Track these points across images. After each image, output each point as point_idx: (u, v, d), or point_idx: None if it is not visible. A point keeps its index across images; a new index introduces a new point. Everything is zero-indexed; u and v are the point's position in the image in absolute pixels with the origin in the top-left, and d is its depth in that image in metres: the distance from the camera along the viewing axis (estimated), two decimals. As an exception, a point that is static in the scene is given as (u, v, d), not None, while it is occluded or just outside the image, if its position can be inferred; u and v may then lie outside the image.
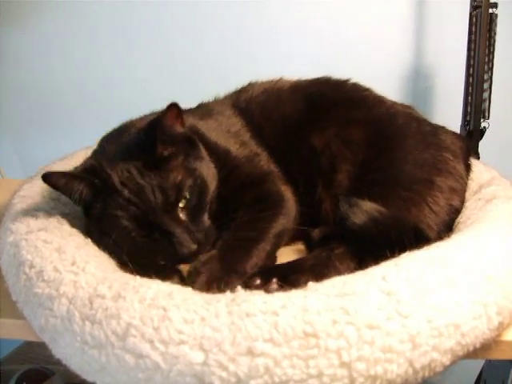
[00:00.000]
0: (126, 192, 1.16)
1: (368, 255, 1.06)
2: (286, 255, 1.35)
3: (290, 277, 1.12)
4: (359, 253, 1.18)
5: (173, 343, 0.82)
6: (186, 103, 1.49)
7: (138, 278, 0.96)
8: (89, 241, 1.15)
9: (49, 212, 1.24)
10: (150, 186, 1.17)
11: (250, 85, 1.68)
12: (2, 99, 2.70)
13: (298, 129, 1.51)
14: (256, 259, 1.20)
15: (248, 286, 1.08)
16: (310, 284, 0.92)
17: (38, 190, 1.35)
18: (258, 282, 1.10)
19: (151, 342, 0.83)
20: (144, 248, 1.18)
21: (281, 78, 1.68)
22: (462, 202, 1.39)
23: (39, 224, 1.17)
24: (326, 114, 1.50)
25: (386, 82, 2.40)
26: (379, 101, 1.57)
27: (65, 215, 1.26)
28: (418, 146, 1.41)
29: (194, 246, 1.16)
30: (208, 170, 1.28)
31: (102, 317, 0.88)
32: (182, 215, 1.18)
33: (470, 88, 2.08)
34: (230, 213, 1.28)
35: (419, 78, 2.45)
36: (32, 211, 1.23)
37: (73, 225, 1.22)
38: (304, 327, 0.82)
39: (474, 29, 2.04)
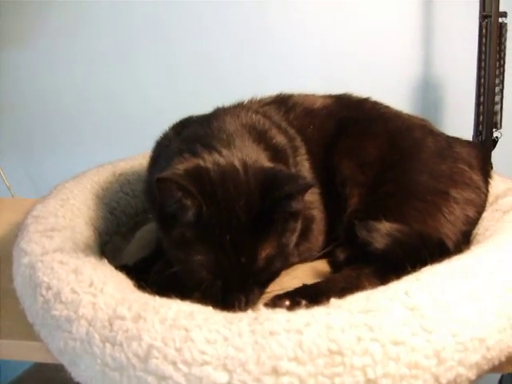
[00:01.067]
0: (227, 237, 1.09)
1: (393, 272, 1.04)
2: (307, 272, 1.35)
3: (320, 299, 1.05)
4: (386, 271, 1.16)
5: (196, 364, 0.80)
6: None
7: (157, 298, 0.95)
8: (105, 261, 1.13)
9: (63, 232, 1.23)
10: (248, 248, 1.10)
11: (291, 100, 1.61)
12: (10, 117, 2.72)
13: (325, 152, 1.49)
14: None
15: (276, 307, 1.02)
16: (333, 300, 0.91)
17: (51, 209, 1.35)
18: (288, 303, 1.08)
19: (174, 363, 0.81)
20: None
21: (313, 94, 1.65)
22: (480, 212, 1.38)
23: (54, 245, 1.15)
24: (345, 133, 1.49)
25: (395, 93, 2.38)
26: (396, 115, 1.57)
27: (79, 235, 1.26)
28: (433, 158, 1.41)
29: (243, 309, 1.08)
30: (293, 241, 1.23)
31: (122, 338, 0.87)
32: (253, 287, 1.14)
33: (482, 98, 2.07)
34: None
35: (429, 88, 2.44)
36: (46, 232, 1.22)
37: (87, 245, 1.21)
38: (329, 345, 0.80)
39: (484, 39, 2.03)
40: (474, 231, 1.34)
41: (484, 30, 2.03)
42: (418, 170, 1.39)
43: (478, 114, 2.10)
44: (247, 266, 1.10)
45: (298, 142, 1.48)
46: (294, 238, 1.22)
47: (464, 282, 0.94)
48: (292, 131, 1.49)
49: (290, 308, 1.05)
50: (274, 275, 1.21)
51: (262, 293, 1.18)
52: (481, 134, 2.09)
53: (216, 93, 2.17)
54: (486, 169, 1.48)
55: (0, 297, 1.22)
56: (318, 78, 2.43)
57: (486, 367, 0.89)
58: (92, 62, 2.61)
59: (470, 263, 1.01)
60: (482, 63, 2.06)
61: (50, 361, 1.02)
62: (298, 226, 1.24)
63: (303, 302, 1.09)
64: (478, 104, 2.09)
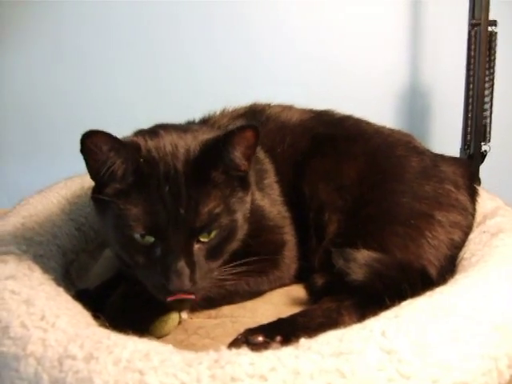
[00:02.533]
0: (165, 188, 1.05)
1: (374, 305, 0.97)
2: (282, 298, 1.30)
3: (297, 335, 0.97)
4: (367, 304, 1.09)
5: (150, 412, 0.74)
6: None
7: (112, 335, 0.87)
8: (61, 290, 1.06)
9: (20, 256, 1.15)
10: (188, 197, 1.06)
11: (265, 113, 1.56)
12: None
13: (297, 172, 1.43)
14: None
15: (249, 344, 0.98)
16: (303, 341, 0.83)
17: (10, 229, 1.28)
18: (261, 339, 1.01)
19: (126, 410, 0.74)
20: (139, 254, 1.08)
21: (291, 107, 1.59)
22: (467, 234, 1.33)
23: (7, 271, 1.07)
24: (321, 153, 1.43)
25: (381, 101, 2.37)
26: (377, 131, 1.50)
27: (38, 257, 1.18)
28: (417, 178, 1.35)
29: (188, 285, 1.04)
30: (243, 220, 1.17)
31: (72, 380, 0.79)
32: (196, 247, 1.08)
33: (470, 110, 2.02)
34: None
35: (416, 96, 2.39)
36: (1, 255, 1.14)
37: (46, 270, 1.13)
38: (296, 393, 0.73)
39: (472, 47, 1.98)
40: (460, 254, 1.28)
41: (473, 39, 1.98)
42: (400, 192, 1.32)
43: (465, 126, 2.04)
44: (187, 219, 1.05)
45: (267, 164, 1.43)
46: (244, 211, 1.17)
47: (446, 321, 0.87)
48: (261, 152, 1.43)
49: (264, 345, 0.99)
50: (222, 248, 1.13)
51: (211, 271, 1.11)
52: (469, 147, 2.03)
53: (196, 99, 2.12)
54: (472, 188, 1.42)
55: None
56: (302, 87, 2.37)
57: (470, 412, 0.83)
58: (74, 69, 2.55)
59: (453, 299, 0.94)
60: (471, 73, 2.01)
61: None
62: (248, 199, 1.19)
63: (278, 338, 1.01)
64: (466, 116, 2.04)
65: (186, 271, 1.04)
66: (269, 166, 1.43)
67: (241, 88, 2.37)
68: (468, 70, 2.02)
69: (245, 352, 0.82)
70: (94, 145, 1.05)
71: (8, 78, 2.58)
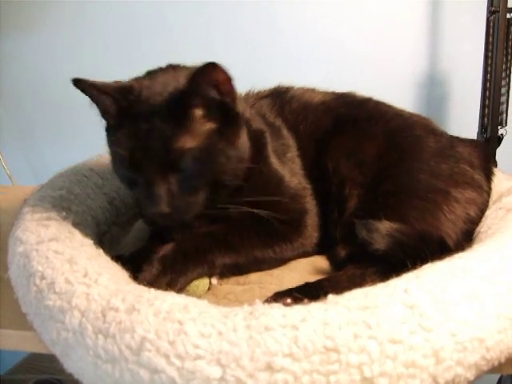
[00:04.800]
0: (143, 125, 1.15)
1: (395, 271, 1.02)
2: (307, 267, 1.35)
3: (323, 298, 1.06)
4: (389, 270, 1.14)
5: (189, 358, 0.79)
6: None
7: (152, 290, 0.94)
8: (101, 251, 1.13)
9: (60, 222, 1.21)
10: (161, 132, 1.14)
11: (289, 93, 1.61)
12: (12, 106, 2.71)
13: (319, 148, 1.49)
14: (213, 269, 1.23)
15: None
16: (330, 297, 0.89)
17: (48, 199, 1.33)
18: (289, 301, 1.06)
19: (167, 356, 0.80)
20: (131, 188, 1.24)
21: (314, 89, 1.64)
22: (482, 211, 1.36)
23: (50, 234, 1.13)
24: (343, 132, 1.48)
25: (399, 88, 2.38)
26: (397, 114, 1.55)
27: (76, 225, 1.24)
28: (434, 157, 1.39)
29: (167, 210, 1.14)
30: (233, 160, 1.23)
31: (115, 330, 0.85)
32: (172, 178, 1.16)
33: (487, 95, 2.05)
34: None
35: (434, 84, 2.41)
36: (42, 221, 1.20)
37: (84, 235, 1.19)
38: (325, 342, 0.79)
39: (491, 34, 2.01)
40: (477, 229, 1.32)
41: (491, 26, 2.00)
42: (418, 169, 1.37)
43: (483, 111, 2.08)
44: (159, 153, 1.14)
45: (290, 139, 1.49)
46: (233, 151, 1.23)
47: (465, 281, 0.92)
48: (284, 129, 1.50)
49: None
50: (201, 182, 1.20)
51: (194, 204, 1.19)
52: (486, 131, 2.07)
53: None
54: (488, 168, 1.46)
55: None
56: (322, 72, 2.41)
57: (485, 368, 0.88)
58: (95, 51, 2.60)
59: (471, 262, 0.99)
60: (489, 60, 2.03)
61: (43, 351, 1.01)
62: (240, 140, 1.26)
63: (305, 300, 1.05)
64: (483, 101, 2.07)
65: (163, 197, 1.14)
66: (291, 142, 1.49)
67: (262, 74, 2.40)
68: (486, 56, 2.04)
69: (277, 305, 0.88)
70: (84, 90, 1.22)
71: (31, 62, 2.66)
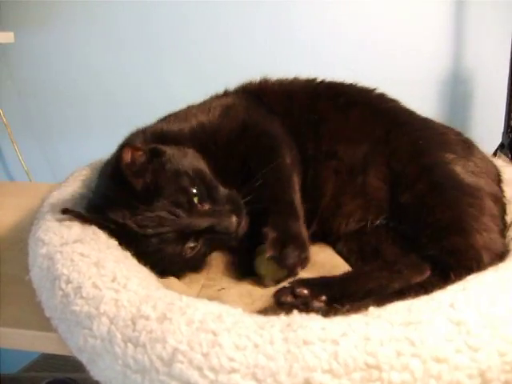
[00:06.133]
0: (149, 230, 1.14)
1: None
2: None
3: (344, 300, 1.05)
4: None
5: (223, 371, 0.76)
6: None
7: (183, 297, 0.90)
8: (128, 254, 1.09)
9: (82, 222, 1.17)
10: (163, 211, 1.14)
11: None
12: (28, 103, 2.70)
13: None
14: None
15: (293, 294, 1.04)
16: (371, 309, 0.85)
17: (68, 197, 1.30)
18: (306, 292, 1.04)
19: (200, 369, 0.77)
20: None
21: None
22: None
23: (74, 235, 1.09)
24: (344, 111, 1.46)
25: (422, 86, 2.37)
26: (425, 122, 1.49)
27: (99, 225, 1.20)
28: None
29: (233, 219, 1.15)
30: (188, 158, 1.24)
31: (146, 340, 0.82)
32: (201, 206, 1.17)
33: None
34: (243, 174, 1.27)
35: (458, 82, 2.38)
36: (65, 221, 1.16)
37: (109, 236, 1.15)
38: (366, 358, 0.75)
39: (517, 32, 1.97)
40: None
41: (518, 23, 1.97)
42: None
43: (508, 111, 2.05)
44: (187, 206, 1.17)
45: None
46: (176, 158, 1.24)
47: (514, 296, 0.88)
48: None
49: (306, 300, 1.04)
50: (211, 183, 1.22)
51: (233, 195, 1.22)
52: (511, 131, 2.03)
53: (237, 79, 2.13)
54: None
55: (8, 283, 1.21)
56: (344, 69, 2.38)
57: (533, 389, 0.84)
58: (109, 46, 2.58)
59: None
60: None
61: (51, 351, 1.01)
62: (165, 152, 1.25)
63: (323, 298, 1.05)
64: (509, 100, 2.04)
65: (222, 217, 1.16)
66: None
67: (282, 70, 2.39)
68: (512, 54, 2.01)
69: (316, 317, 0.84)
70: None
71: (47, 58, 2.66)
